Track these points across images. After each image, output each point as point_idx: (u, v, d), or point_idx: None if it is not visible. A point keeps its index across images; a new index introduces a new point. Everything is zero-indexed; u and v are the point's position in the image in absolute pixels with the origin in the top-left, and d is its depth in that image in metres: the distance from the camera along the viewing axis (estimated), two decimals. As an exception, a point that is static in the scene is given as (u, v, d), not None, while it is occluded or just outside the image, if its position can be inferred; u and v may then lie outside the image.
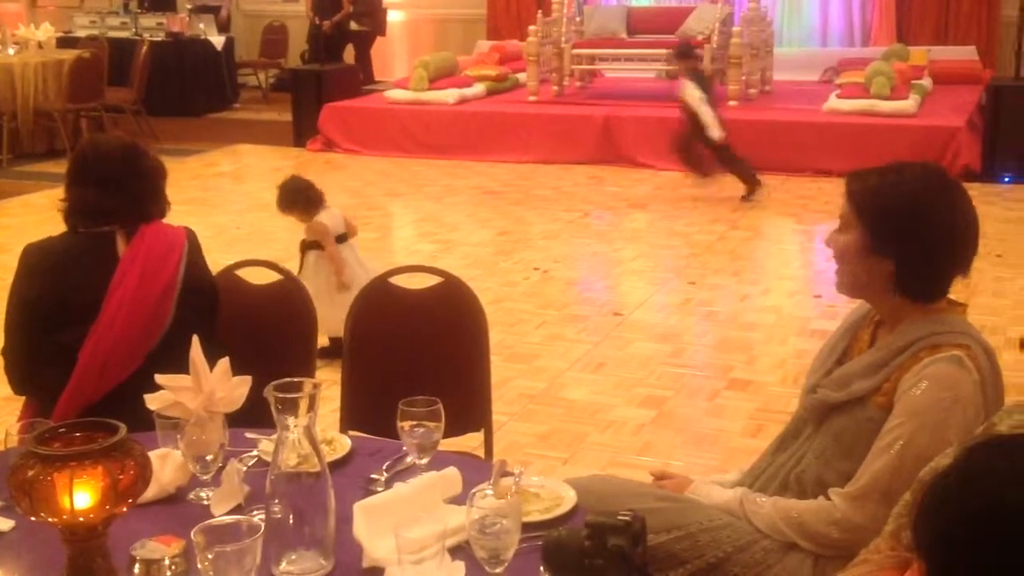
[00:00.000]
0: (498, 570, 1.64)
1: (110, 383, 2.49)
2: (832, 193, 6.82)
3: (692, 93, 7.24)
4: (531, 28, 9.64)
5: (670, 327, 5.11)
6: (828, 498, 2.02)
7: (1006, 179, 7.91)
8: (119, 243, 2.59)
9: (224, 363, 1.92)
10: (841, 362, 2.16)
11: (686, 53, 7.70)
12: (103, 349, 2.50)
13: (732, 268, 6.06)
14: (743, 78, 9.18)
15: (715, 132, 7.19)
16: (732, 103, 8.98)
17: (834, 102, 8.70)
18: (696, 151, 7.43)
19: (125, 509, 1.39)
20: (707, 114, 7.21)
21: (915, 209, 2.01)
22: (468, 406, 2.77)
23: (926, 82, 9.44)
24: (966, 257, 2.04)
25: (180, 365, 1.90)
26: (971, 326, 2.06)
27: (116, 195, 2.57)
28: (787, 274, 6.01)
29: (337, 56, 11.59)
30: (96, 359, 2.50)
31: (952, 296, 2.10)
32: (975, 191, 7.77)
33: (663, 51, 9.50)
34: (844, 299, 2.23)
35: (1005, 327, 4.91)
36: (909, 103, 8.48)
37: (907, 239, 2.00)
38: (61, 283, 2.52)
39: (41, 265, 2.55)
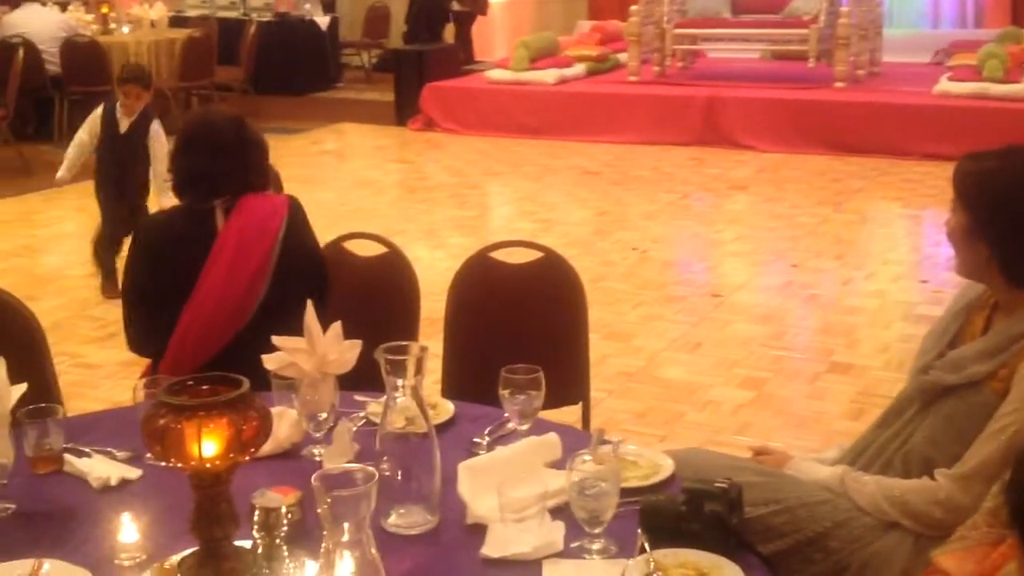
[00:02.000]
0: (597, 530, 1.69)
1: (204, 356, 2.55)
2: (940, 177, 6.68)
3: None
4: (633, 8, 9.59)
5: (770, 309, 5.08)
6: (933, 478, 2.02)
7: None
8: (218, 217, 2.65)
9: (336, 327, 2.00)
10: (953, 345, 2.14)
11: None
12: (198, 324, 2.57)
13: (835, 251, 5.98)
14: (851, 59, 9.01)
15: None
16: (839, 85, 8.83)
17: (945, 85, 8.49)
18: None
19: (247, 458, 1.47)
20: None
21: (1010, 195, 1.99)
22: (566, 379, 2.82)
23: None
24: None
25: (282, 326, 1.99)
26: None
27: (224, 161, 2.64)
28: (892, 258, 5.90)
29: (437, 36, 11.67)
30: (191, 333, 2.58)
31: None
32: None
33: (768, 31, 9.38)
34: (951, 284, 2.23)
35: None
36: (1022, 87, 8.22)
37: (1002, 225, 1.99)
38: (165, 260, 2.61)
39: (148, 241, 2.68)
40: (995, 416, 1.96)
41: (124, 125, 5.24)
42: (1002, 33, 9.69)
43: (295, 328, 2.00)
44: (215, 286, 2.57)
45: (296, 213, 2.72)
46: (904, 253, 6.04)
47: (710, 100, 8.83)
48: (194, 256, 2.58)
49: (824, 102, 8.56)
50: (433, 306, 3.01)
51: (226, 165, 2.65)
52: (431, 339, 2.99)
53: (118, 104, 5.24)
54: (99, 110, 5.31)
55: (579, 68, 9.97)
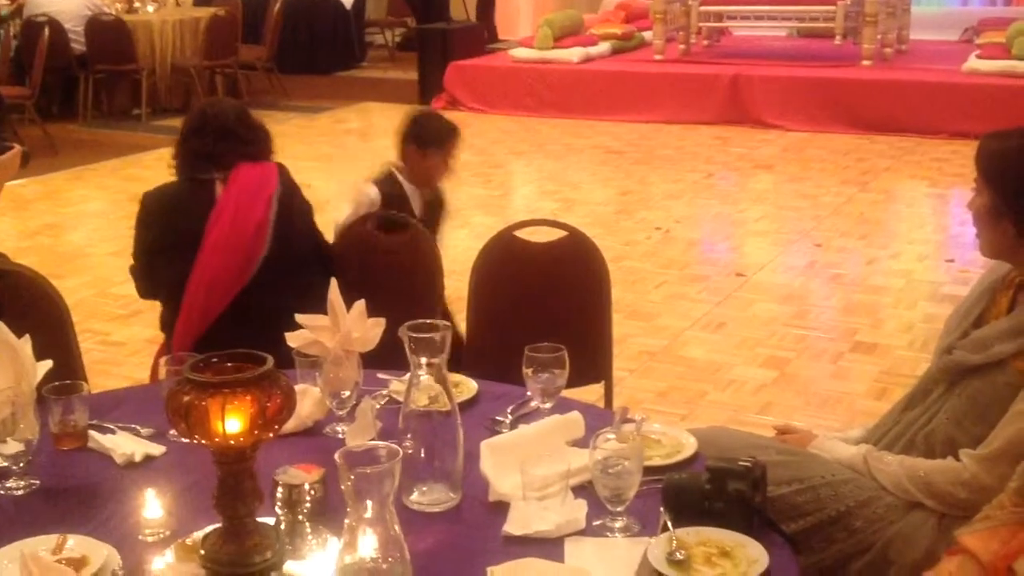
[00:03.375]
0: (619, 508, 1.69)
1: (216, 309, 2.82)
2: (968, 156, 6.59)
3: None
4: (658, -14, 9.53)
5: (794, 289, 5.06)
6: (957, 458, 2.01)
7: None
8: (218, 187, 2.88)
9: (360, 305, 2.00)
10: (978, 324, 2.13)
11: None
12: (206, 280, 2.82)
13: (860, 231, 5.94)
14: (879, 37, 8.91)
15: None
16: (866, 63, 8.75)
17: (974, 62, 8.40)
18: None
19: (271, 435, 1.47)
20: None
21: None
22: (589, 358, 2.82)
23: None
24: None
25: (283, 288, 2.04)
26: None
27: (229, 141, 2.88)
28: (918, 238, 5.86)
29: (443, 14, 11.41)
30: (200, 289, 2.83)
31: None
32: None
33: (795, 8, 9.29)
34: (978, 264, 2.21)
35: None
36: (1053, 64, 8.13)
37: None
38: (171, 225, 2.89)
39: (155, 209, 2.92)
40: (1020, 396, 1.94)
41: None
42: (1032, 10, 9.57)
43: (300, 286, 2.05)
44: (219, 243, 2.82)
45: (286, 177, 2.96)
46: (930, 232, 5.99)
47: (735, 78, 8.77)
48: (198, 218, 2.84)
49: (851, 80, 8.49)
50: (457, 284, 3.02)
51: (231, 144, 2.89)
52: (456, 317, 3.01)
53: None
54: None
55: (604, 46, 9.92)
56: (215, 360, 1.52)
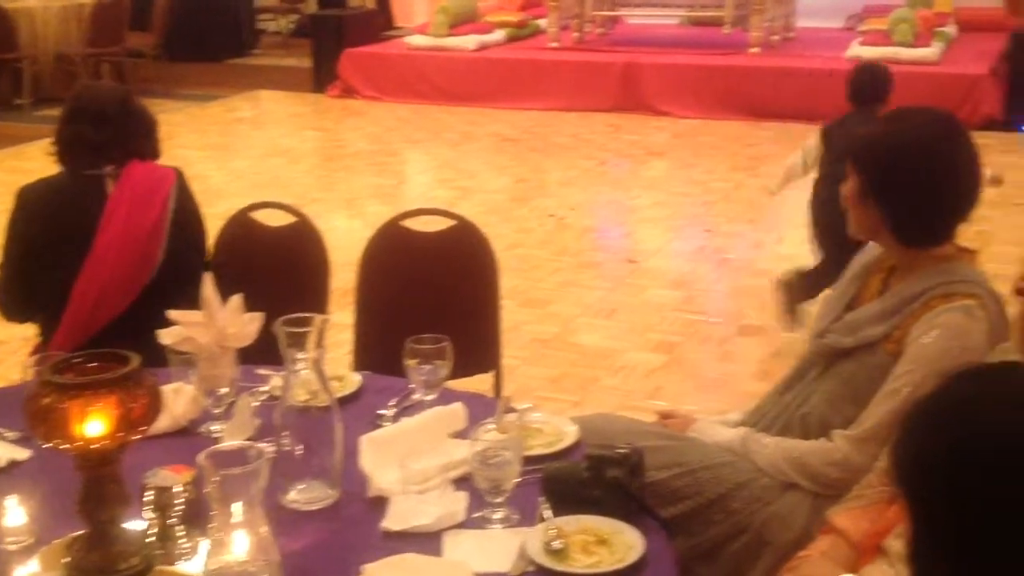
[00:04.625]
0: (498, 500, 1.70)
1: (104, 318, 2.63)
2: (851, 141, 6.77)
3: None
4: (552, -26, 9.56)
5: (684, 274, 5.14)
6: (830, 439, 2.06)
7: (1028, 128, 7.83)
8: (108, 184, 2.70)
9: (236, 299, 1.97)
10: (851, 308, 2.18)
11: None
12: (96, 285, 2.63)
13: (748, 216, 6.06)
14: (765, 25, 9.08)
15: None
16: (754, 50, 8.90)
17: (856, 49, 8.60)
18: None
19: (137, 437, 1.44)
20: None
21: (898, 157, 2.03)
22: (478, 347, 2.82)
23: (950, 29, 9.32)
24: (959, 206, 2.05)
25: (174, 297, 1.96)
26: (982, 275, 2.07)
27: (108, 130, 2.69)
28: (803, 222, 5.95)
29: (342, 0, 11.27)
30: (89, 294, 2.63)
31: (964, 244, 2.12)
32: (996, 140, 7.77)
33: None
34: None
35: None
36: (932, 51, 8.38)
37: (891, 187, 2.03)
38: (55, 222, 2.66)
39: (37, 205, 2.70)
40: (889, 378, 2.00)
41: None
42: (913, -2, 9.85)
43: (191, 296, 1.98)
44: (112, 243, 2.63)
45: (182, 182, 2.82)
46: (815, 217, 6.13)
47: (628, 66, 8.85)
48: (86, 219, 2.64)
49: (739, 67, 8.63)
50: (350, 276, 2.98)
51: (109, 134, 2.70)
52: (346, 310, 2.98)
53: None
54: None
55: (499, 34, 9.92)
56: (77, 360, 1.48)
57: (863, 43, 8.68)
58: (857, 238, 2.18)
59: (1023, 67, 7.95)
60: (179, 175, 2.82)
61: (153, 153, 2.84)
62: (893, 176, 2.03)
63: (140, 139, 2.79)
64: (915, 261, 2.07)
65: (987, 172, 4.90)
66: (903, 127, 2.06)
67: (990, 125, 7.64)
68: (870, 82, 4.42)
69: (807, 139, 4.57)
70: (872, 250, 2.22)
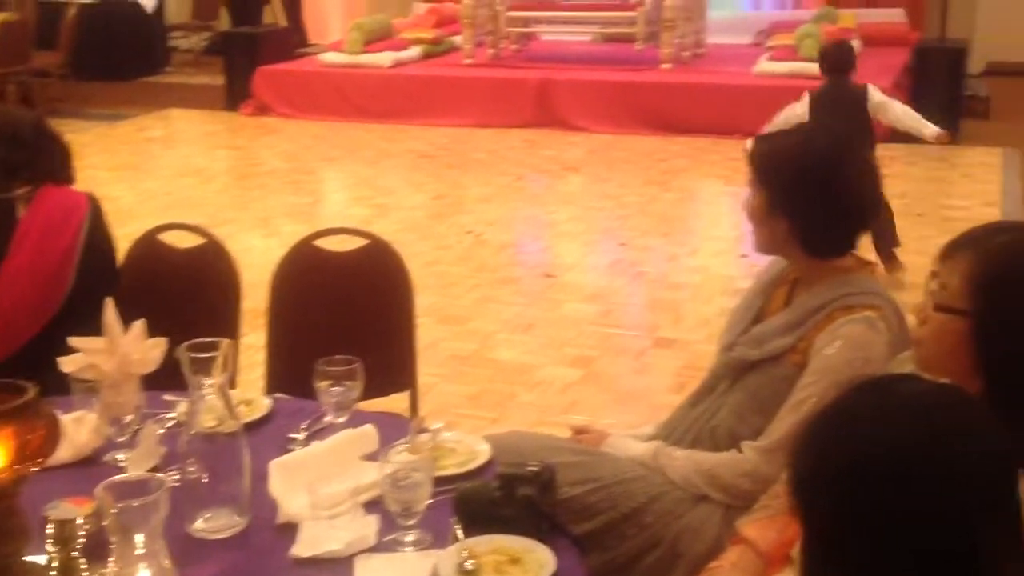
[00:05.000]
0: (410, 522, 1.69)
1: (11, 346, 2.54)
2: (762, 155, 6.90)
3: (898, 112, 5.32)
4: (467, -10, 9.59)
5: (600, 288, 5.18)
6: (740, 451, 2.09)
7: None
8: (19, 208, 2.65)
9: (139, 325, 1.93)
10: (757, 320, 2.22)
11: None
12: (3, 311, 2.55)
13: (662, 229, 6.14)
14: (676, 41, 9.22)
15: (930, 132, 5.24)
16: (666, 66, 9.03)
17: (764, 64, 8.79)
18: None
19: (35, 470, 1.41)
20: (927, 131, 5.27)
21: (804, 169, 2.08)
22: (394, 367, 2.81)
23: (855, 44, 9.55)
24: (863, 215, 2.11)
25: (83, 328, 1.92)
26: (881, 286, 2.14)
27: (22, 153, 2.65)
28: (715, 235, 6.10)
29: (256, 17, 11.22)
30: None
31: (866, 256, 2.18)
32: (899, 152, 7.96)
33: (597, 14, 9.53)
34: (769, 259, 2.30)
35: (926, 284, 5.04)
36: (838, 65, 8.58)
37: (798, 198, 2.08)
38: None
39: None
40: (795, 389, 2.04)
41: None
42: (818, 13, 10.08)
43: (100, 326, 1.93)
44: (22, 269, 2.57)
45: (97, 210, 2.75)
46: (725, 229, 6.23)
47: (543, 82, 8.91)
48: None
49: (651, 84, 8.75)
50: (264, 297, 2.94)
51: (23, 157, 2.65)
52: (261, 331, 2.94)
53: None
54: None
55: (414, 51, 9.91)
56: (-29, 393, 1.44)
57: (771, 58, 8.87)
58: (760, 253, 2.23)
59: (925, 80, 8.18)
60: (94, 202, 2.76)
61: (67, 179, 2.78)
62: (798, 188, 2.08)
63: (54, 163, 2.74)
64: (818, 274, 2.12)
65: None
66: (805, 140, 2.12)
67: (893, 137, 7.84)
68: (840, 55, 5.25)
69: (793, 106, 5.18)
70: (776, 264, 2.27)
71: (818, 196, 2.07)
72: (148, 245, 2.96)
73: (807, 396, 2.02)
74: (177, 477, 1.70)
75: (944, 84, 8.13)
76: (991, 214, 6.07)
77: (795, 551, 1.79)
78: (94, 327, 1.95)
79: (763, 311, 2.24)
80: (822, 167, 2.08)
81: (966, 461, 1.10)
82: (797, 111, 5.14)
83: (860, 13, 10.53)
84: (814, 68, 8.35)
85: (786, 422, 2.04)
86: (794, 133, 2.15)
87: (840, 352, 2.01)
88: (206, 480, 1.69)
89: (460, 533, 1.66)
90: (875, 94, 5.16)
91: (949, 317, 1.55)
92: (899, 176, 6.82)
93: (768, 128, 5.00)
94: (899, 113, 5.23)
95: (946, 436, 1.11)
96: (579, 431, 2.38)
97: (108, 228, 2.80)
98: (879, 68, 8.80)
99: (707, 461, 2.11)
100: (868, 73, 8.66)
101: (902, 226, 5.87)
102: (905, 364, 1.86)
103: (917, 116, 5.25)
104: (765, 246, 2.19)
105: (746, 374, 2.17)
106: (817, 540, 1.12)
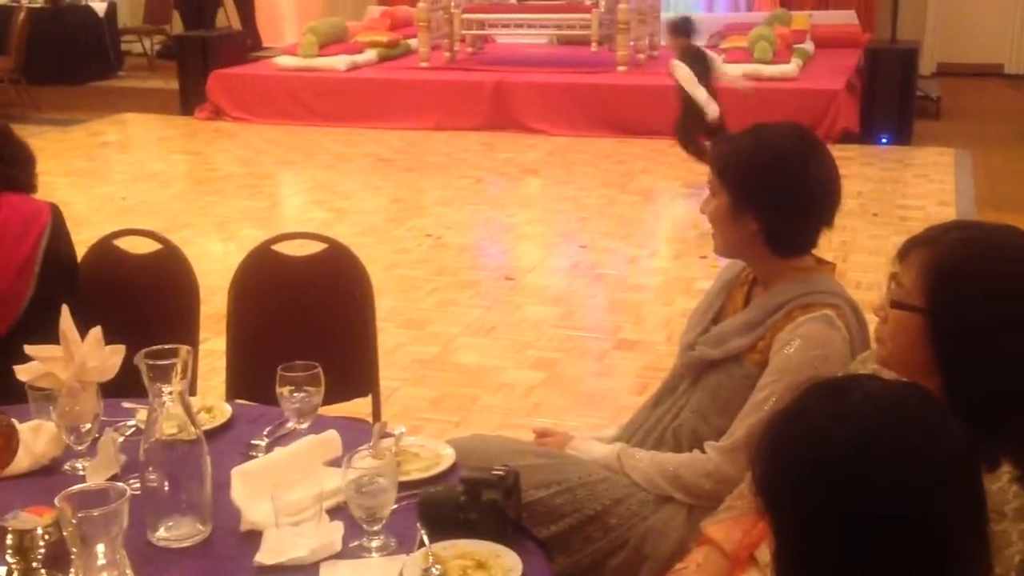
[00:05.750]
0: (375, 528, 1.68)
1: None
2: (718, 156, 6.92)
3: (683, 74, 6.46)
4: (422, -7, 9.57)
5: (561, 290, 5.19)
6: (703, 451, 2.10)
7: (883, 140, 8.16)
8: None
9: (96, 332, 1.91)
10: (717, 320, 2.23)
11: (680, 29, 6.74)
12: None
13: (621, 231, 6.15)
14: (631, 44, 9.26)
15: (712, 111, 6.44)
16: (621, 68, 9.07)
17: (719, 66, 8.83)
18: (697, 137, 6.55)
19: (-8, 480, 1.38)
20: (701, 96, 6.45)
21: (773, 168, 2.08)
22: (355, 372, 2.79)
23: (808, 46, 9.66)
24: (829, 212, 2.12)
25: (42, 338, 1.89)
26: (840, 285, 2.15)
27: None
28: (674, 236, 6.13)
29: (209, 21, 11.08)
30: None
31: (828, 255, 2.19)
32: (853, 152, 8.08)
33: (553, 16, 9.55)
34: (727, 260, 2.30)
35: (881, 283, 5.08)
36: (791, 67, 8.67)
37: (768, 198, 2.08)
38: None
39: None
40: (756, 388, 2.05)
41: None
42: (772, 16, 10.18)
43: (57, 337, 1.90)
44: None
45: (59, 219, 2.71)
46: (684, 230, 6.26)
47: (499, 85, 8.92)
48: None
49: (607, 86, 8.78)
50: (223, 302, 2.91)
51: None
52: (219, 336, 2.91)
53: None
54: None
55: (370, 54, 9.88)
56: (-75, 404, 1.41)
57: (725, 60, 8.88)
58: (721, 255, 2.24)
59: (876, 81, 8.28)
60: (55, 211, 2.72)
61: (30, 187, 2.75)
62: (769, 187, 2.07)
63: (17, 169, 2.70)
64: (777, 273, 2.13)
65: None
66: (770, 140, 2.12)
67: (847, 138, 7.95)
68: (682, 24, 6.81)
69: (681, 67, 6.49)
70: (736, 264, 2.27)
71: (788, 195, 2.08)
72: (104, 251, 2.92)
73: (767, 395, 2.03)
74: (138, 485, 1.68)
75: (896, 85, 8.23)
76: (946, 213, 6.15)
77: (759, 552, 1.80)
78: (52, 335, 1.92)
79: (723, 311, 2.25)
80: (791, 165, 2.08)
81: (928, 458, 1.11)
82: (688, 75, 6.47)
83: (813, 15, 10.65)
84: (769, 70, 8.51)
85: (747, 422, 2.04)
86: (755, 133, 2.15)
87: (799, 351, 2.02)
88: (167, 488, 1.67)
89: (425, 538, 1.65)
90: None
91: (906, 314, 1.56)
92: (854, 176, 6.90)
93: (693, 91, 6.49)
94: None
95: (906, 433, 1.12)
96: (542, 434, 2.38)
97: (69, 237, 2.76)
98: (832, 69, 8.93)
99: (670, 462, 2.12)
100: (821, 73, 8.80)
101: (857, 226, 5.95)
102: (865, 364, 1.88)
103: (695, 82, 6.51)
104: (727, 248, 2.19)
105: (707, 374, 2.17)
106: (783, 539, 1.12)
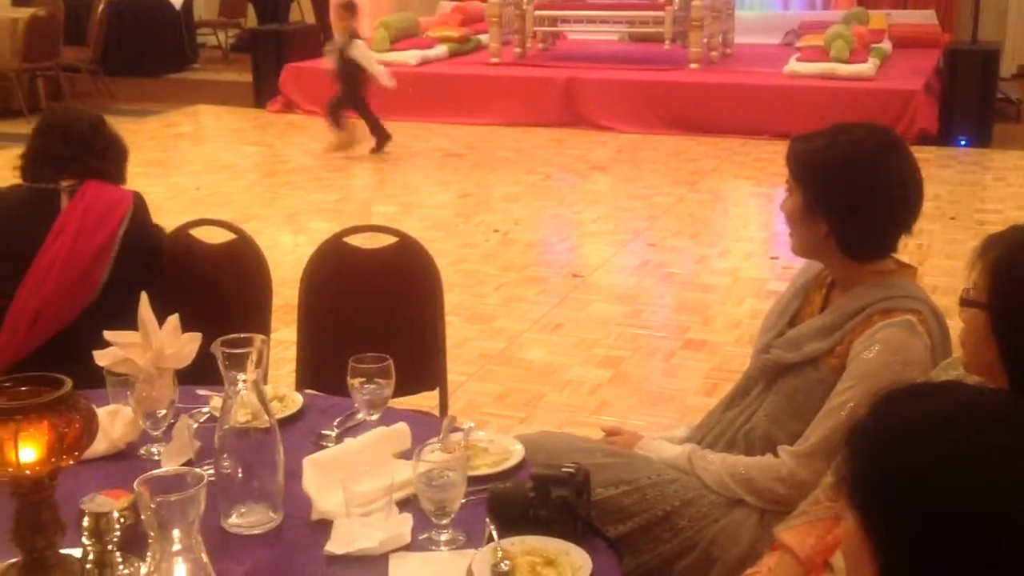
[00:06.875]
0: (444, 521, 1.67)
1: (41, 337, 2.57)
2: (791, 156, 6.85)
3: (365, 52, 7.75)
4: (493, -11, 9.58)
5: (628, 288, 5.15)
6: (776, 455, 2.06)
7: (962, 142, 7.99)
8: (63, 199, 2.67)
9: (174, 320, 1.93)
10: (793, 323, 2.19)
11: (350, 10, 7.93)
12: (34, 303, 2.58)
13: (691, 230, 6.10)
14: (705, 41, 9.18)
15: (387, 81, 7.78)
16: (694, 66, 8.99)
17: (794, 65, 8.73)
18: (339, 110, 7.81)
19: (71, 463, 1.40)
20: (379, 70, 7.78)
21: (844, 171, 2.04)
22: (423, 365, 2.79)
23: (885, 45, 9.49)
24: (905, 217, 2.07)
25: (116, 323, 1.92)
26: (922, 290, 2.10)
27: (75, 146, 2.69)
28: (745, 236, 6.06)
29: (283, 14, 11.17)
30: (26, 312, 2.58)
31: (904, 259, 2.14)
32: (931, 154, 7.92)
33: (625, 13, 9.50)
34: (799, 261, 2.27)
35: (958, 288, 4.96)
36: (868, 66, 8.53)
37: (838, 200, 2.04)
38: (3, 230, 2.64)
39: None
40: (833, 393, 2.01)
41: None
42: (849, 14, 10.02)
43: (132, 323, 1.93)
44: (58, 259, 2.58)
45: (140, 208, 2.76)
46: (755, 230, 6.20)
47: (569, 82, 8.89)
48: (34, 232, 2.62)
49: (679, 83, 8.71)
50: (293, 293, 2.94)
51: (75, 150, 2.69)
52: (291, 327, 2.94)
53: None
54: None
55: (441, 49, 9.91)
56: (8, 385, 1.43)
57: (800, 59, 8.81)
58: (798, 256, 2.20)
59: (956, 82, 8.11)
60: (138, 199, 2.77)
61: (119, 179, 2.82)
62: (839, 189, 2.04)
63: (107, 162, 2.77)
64: (856, 276, 2.09)
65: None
66: (846, 141, 2.07)
67: (924, 139, 7.79)
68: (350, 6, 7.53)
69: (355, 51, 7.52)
70: (813, 266, 2.23)
71: (859, 198, 2.04)
72: (181, 240, 2.96)
73: (844, 401, 1.98)
74: (211, 472, 1.69)
75: (976, 87, 8.05)
76: (1024, 218, 6.01)
77: (834, 558, 1.77)
78: (126, 320, 1.95)
79: (799, 314, 2.21)
80: (862, 167, 2.04)
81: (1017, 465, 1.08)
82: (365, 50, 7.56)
83: (891, 14, 10.46)
84: (845, 69, 8.39)
85: (823, 427, 2.00)
86: (833, 133, 2.10)
87: (879, 356, 1.97)
88: (241, 475, 1.68)
89: (494, 533, 1.65)
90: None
91: (974, 312, 1.57)
92: (931, 178, 6.75)
93: (372, 66, 7.57)
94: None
95: (999, 440, 1.09)
96: (611, 432, 2.37)
97: (151, 225, 2.82)
98: (910, 69, 8.76)
99: (742, 465, 2.09)
100: (898, 73, 8.64)
101: (934, 229, 5.83)
102: (947, 371, 1.84)
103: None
104: (803, 248, 2.15)
105: (782, 377, 2.13)
106: (879, 546, 1.09)
